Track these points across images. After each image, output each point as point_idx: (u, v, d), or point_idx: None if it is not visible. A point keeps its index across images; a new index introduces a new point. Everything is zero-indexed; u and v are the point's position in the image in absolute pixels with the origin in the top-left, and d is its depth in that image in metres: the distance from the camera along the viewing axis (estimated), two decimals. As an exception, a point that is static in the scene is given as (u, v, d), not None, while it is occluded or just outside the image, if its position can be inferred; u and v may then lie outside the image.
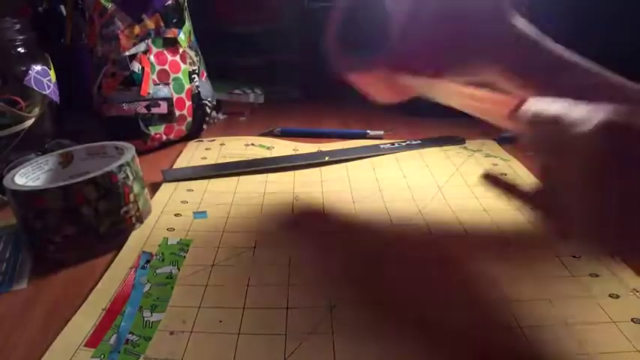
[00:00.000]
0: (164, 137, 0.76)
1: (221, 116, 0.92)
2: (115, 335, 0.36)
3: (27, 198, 0.45)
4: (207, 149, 0.74)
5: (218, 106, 0.90)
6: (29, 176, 0.51)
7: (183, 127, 0.78)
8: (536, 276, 0.41)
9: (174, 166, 0.68)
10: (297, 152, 0.72)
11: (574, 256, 0.43)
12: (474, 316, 0.37)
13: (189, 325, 0.37)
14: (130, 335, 0.36)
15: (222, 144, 0.76)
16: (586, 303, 0.38)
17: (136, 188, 0.51)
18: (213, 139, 0.78)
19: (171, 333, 0.37)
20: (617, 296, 0.38)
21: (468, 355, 0.34)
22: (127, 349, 0.35)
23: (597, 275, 0.40)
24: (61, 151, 0.55)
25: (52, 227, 0.46)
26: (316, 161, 0.67)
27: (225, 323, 0.38)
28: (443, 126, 0.79)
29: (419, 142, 0.73)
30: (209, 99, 0.82)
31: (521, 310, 0.37)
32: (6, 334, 0.38)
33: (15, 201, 0.46)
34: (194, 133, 0.81)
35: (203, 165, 0.69)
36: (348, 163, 0.67)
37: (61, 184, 0.45)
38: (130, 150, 0.52)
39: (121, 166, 0.48)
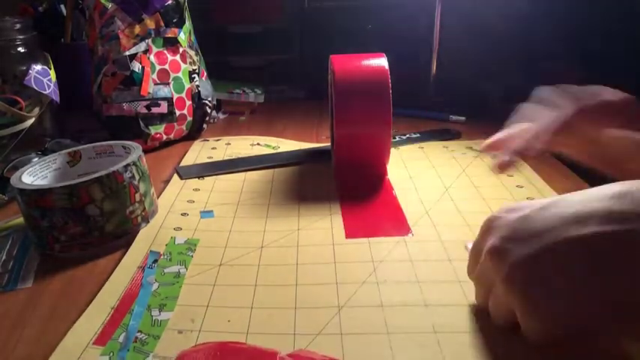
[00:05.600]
0: (164, 137, 0.76)
1: (221, 116, 0.92)
2: (123, 333, 0.36)
3: (32, 197, 0.45)
4: (213, 149, 0.74)
5: (218, 106, 0.90)
6: (37, 175, 0.51)
7: (184, 127, 0.78)
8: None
9: (181, 166, 0.68)
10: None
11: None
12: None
13: (197, 324, 0.38)
14: (139, 334, 0.36)
15: (227, 143, 0.76)
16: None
17: (143, 188, 0.51)
18: (218, 138, 0.78)
19: (180, 332, 0.37)
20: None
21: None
22: (136, 347, 0.35)
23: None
24: (69, 150, 0.55)
25: (58, 226, 0.46)
26: (323, 156, 0.69)
27: (233, 323, 0.38)
28: (444, 125, 0.80)
29: (418, 135, 0.77)
30: (209, 99, 0.82)
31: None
32: (8, 331, 0.38)
33: (21, 200, 0.46)
34: (194, 132, 0.81)
35: (217, 161, 0.69)
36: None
37: (66, 183, 0.45)
38: (136, 150, 0.52)
39: (126, 166, 0.48)
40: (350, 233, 0.49)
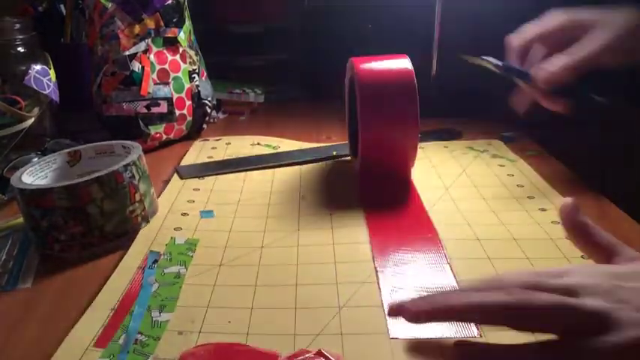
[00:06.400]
0: (164, 137, 0.76)
1: (221, 116, 0.92)
2: (124, 335, 0.36)
3: (32, 197, 0.45)
4: (213, 148, 0.74)
5: (218, 106, 0.90)
6: (37, 174, 0.51)
7: (183, 127, 0.78)
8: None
9: (181, 165, 0.68)
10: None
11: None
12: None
13: (197, 325, 0.37)
14: (139, 335, 0.36)
15: (228, 143, 0.76)
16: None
17: (143, 187, 0.51)
18: (218, 138, 0.78)
19: (180, 333, 0.37)
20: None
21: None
22: (136, 349, 0.35)
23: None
24: (68, 150, 0.55)
25: (58, 226, 0.46)
26: (323, 156, 0.69)
27: (233, 323, 0.38)
28: (445, 125, 0.80)
29: (419, 135, 0.74)
30: (209, 98, 0.82)
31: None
32: (8, 331, 0.38)
33: (21, 200, 0.46)
34: (194, 132, 0.81)
35: (217, 161, 0.69)
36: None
37: (67, 183, 0.45)
38: (136, 149, 0.52)
39: (126, 166, 0.48)
40: (377, 249, 0.47)
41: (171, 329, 0.37)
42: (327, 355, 0.33)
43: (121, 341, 0.36)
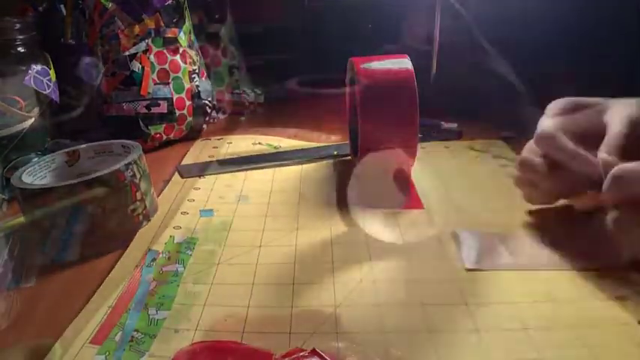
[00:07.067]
0: (164, 137, 0.76)
1: (221, 116, 0.92)
2: (120, 332, 0.36)
3: (33, 197, 0.45)
4: (214, 147, 0.74)
5: (218, 106, 0.90)
6: (36, 175, 0.51)
7: (184, 127, 0.78)
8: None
9: (182, 164, 0.69)
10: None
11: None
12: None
13: (194, 323, 0.38)
14: (135, 333, 0.36)
15: (229, 142, 0.76)
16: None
17: (143, 186, 0.51)
18: (220, 137, 0.79)
19: (176, 331, 0.37)
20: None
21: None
22: (132, 346, 0.35)
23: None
24: (67, 150, 0.55)
25: (59, 225, 0.46)
26: (324, 156, 0.69)
27: (229, 322, 0.38)
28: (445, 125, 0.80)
29: (420, 135, 0.74)
30: (209, 99, 0.82)
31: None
32: (8, 331, 0.38)
33: (22, 199, 0.46)
34: (194, 132, 0.81)
35: (218, 160, 0.69)
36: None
37: (68, 182, 0.45)
38: (136, 148, 0.53)
39: (128, 165, 0.48)
40: None
41: (167, 327, 0.37)
42: (321, 353, 0.33)
43: (117, 338, 0.36)
